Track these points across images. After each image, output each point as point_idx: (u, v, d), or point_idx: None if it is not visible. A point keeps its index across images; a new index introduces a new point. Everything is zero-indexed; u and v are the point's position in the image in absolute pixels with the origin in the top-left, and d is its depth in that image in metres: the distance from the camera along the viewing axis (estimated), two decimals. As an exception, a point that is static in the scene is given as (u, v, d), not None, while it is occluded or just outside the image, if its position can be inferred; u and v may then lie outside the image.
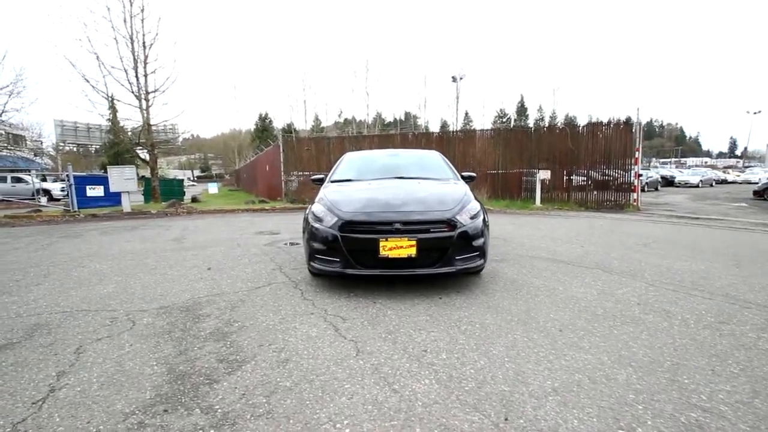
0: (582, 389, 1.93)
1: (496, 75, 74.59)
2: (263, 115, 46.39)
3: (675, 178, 28.34)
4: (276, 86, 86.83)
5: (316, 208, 3.75)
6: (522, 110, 51.77)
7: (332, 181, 4.60)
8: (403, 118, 55.45)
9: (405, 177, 4.50)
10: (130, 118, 18.59)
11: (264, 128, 44.18)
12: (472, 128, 23.15)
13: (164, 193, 16.73)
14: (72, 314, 3.06)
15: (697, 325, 2.71)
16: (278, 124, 45.00)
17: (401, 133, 17.46)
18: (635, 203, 12.08)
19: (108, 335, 2.67)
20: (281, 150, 15.13)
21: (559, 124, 15.20)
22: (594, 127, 12.70)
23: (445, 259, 3.36)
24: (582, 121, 14.26)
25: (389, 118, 54.40)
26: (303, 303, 3.27)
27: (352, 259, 3.35)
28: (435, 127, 42.98)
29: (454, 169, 4.93)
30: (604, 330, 2.64)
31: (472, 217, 3.55)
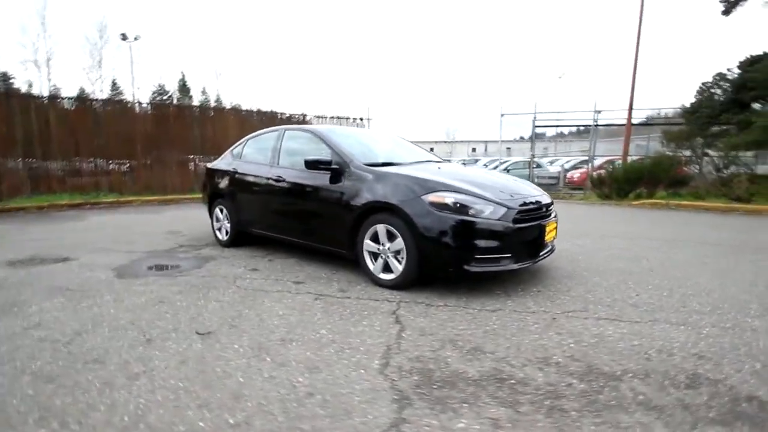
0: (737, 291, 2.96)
1: (153, 47, 62.07)
2: None
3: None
4: None
5: (453, 197, 2.83)
6: (184, 89, 47.32)
7: (374, 165, 3.38)
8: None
9: (433, 161, 4.03)
10: None
11: None
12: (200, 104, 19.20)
13: None
14: None
15: (714, 257, 4.37)
16: None
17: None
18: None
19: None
20: None
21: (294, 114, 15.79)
22: (339, 120, 14.25)
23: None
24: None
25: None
26: (539, 315, 2.55)
27: (521, 251, 2.92)
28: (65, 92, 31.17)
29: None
30: (679, 270, 3.82)
31: None
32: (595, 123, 12.14)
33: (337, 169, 3.42)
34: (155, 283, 3.37)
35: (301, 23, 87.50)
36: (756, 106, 8.71)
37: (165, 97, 44.90)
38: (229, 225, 4.67)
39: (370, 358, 2.04)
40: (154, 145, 11.58)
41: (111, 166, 11.35)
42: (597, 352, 2.08)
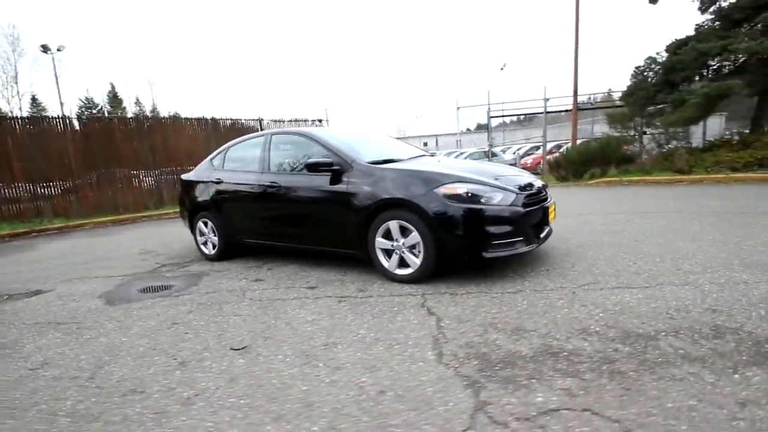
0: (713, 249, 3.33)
1: (74, 59, 56.00)
2: None
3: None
4: None
5: (464, 187, 2.91)
6: (116, 101, 43.98)
7: (376, 162, 3.39)
8: None
9: (427, 155, 4.11)
10: None
11: None
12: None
13: None
14: None
15: (699, 218, 4.76)
16: None
17: None
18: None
19: None
20: None
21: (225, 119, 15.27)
22: (297, 122, 14.00)
23: None
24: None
25: None
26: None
27: (529, 234, 3.06)
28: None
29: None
30: (658, 238, 4.16)
31: None
32: (545, 110, 12.86)
33: (338, 170, 3.40)
34: (156, 306, 3.18)
35: (242, 26, 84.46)
36: (686, 86, 9.65)
37: (95, 111, 41.62)
38: (216, 238, 4.48)
39: (422, 351, 2.08)
40: (100, 163, 10.77)
41: (52, 189, 10.41)
42: (625, 317, 2.26)
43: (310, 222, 3.67)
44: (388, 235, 3.16)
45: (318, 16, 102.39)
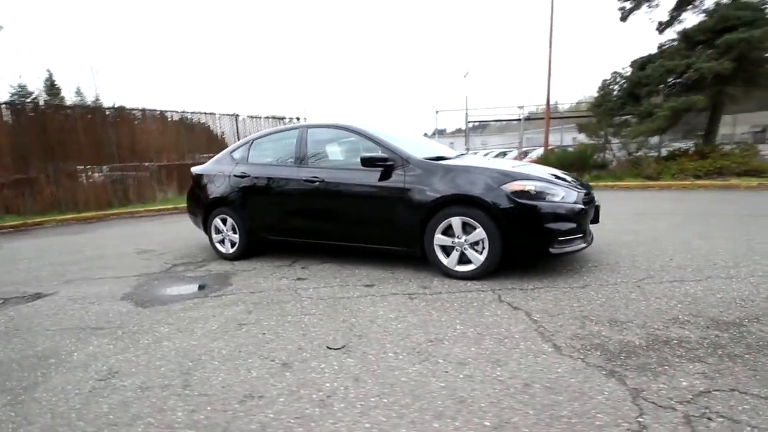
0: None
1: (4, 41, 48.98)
2: None
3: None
4: None
5: (532, 184, 2.96)
6: (53, 89, 40.06)
7: (432, 159, 3.36)
8: None
9: (468, 154, 4.13)
10: None
11: None
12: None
13: None
14: None
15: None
16: None
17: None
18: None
19: None
20: None
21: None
22: (275, 120, 13.58)
23: None
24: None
25: None
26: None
27: (586, 231, 3.19)
28: None
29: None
30: (673, 236, 4.47)
31: None
32: (521, 117, 13.47)
33: (391, 165, 3.34)
34: (202, 307, 2.94)
35: (208, 16, 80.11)
36: (647, 100, 10.50)
37: (28, 100, 37.65)
38: (236, 236, 4.22)
39: (536, 343, 2.09)
40: (59, 156, 9.79)
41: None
42: (702, 307, 2.41)
43: (356, 218, 3.57)
44: (446, 232, 3.15)
45: (289, 15, 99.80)
